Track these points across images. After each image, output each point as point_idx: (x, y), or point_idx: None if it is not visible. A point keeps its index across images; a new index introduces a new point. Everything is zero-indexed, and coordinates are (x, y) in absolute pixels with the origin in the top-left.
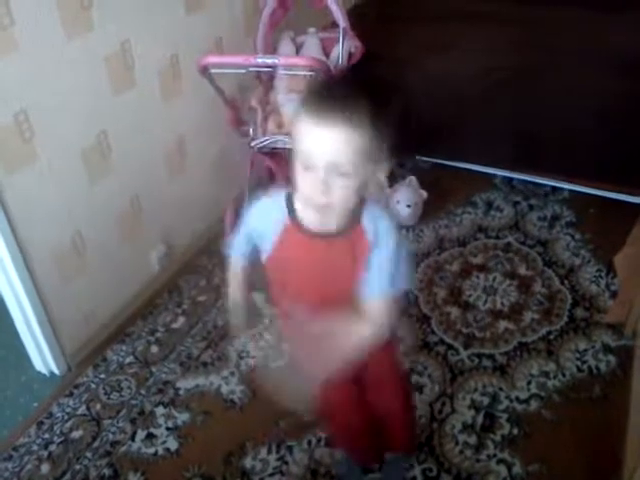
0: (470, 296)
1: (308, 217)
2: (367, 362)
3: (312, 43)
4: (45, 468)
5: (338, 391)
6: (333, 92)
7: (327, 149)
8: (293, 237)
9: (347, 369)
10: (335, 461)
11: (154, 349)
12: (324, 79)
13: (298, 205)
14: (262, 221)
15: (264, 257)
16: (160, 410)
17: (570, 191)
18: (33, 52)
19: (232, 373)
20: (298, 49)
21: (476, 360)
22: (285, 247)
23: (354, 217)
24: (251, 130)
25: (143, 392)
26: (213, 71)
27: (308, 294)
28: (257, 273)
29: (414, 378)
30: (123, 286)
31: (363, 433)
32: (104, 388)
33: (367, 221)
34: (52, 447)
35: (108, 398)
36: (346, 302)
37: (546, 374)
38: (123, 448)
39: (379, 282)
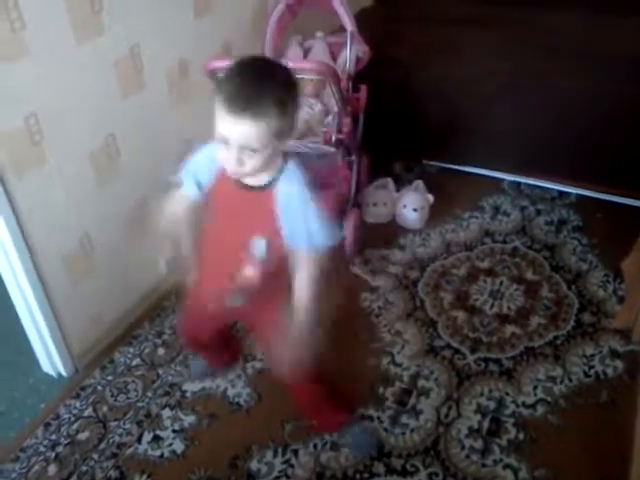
0: (477, 300)
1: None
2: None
3: (320, 47)
4: (52, 469)
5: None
6: (242, 79)
7: (237, 135)
8: (223, 185)
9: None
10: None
11: (161, 351)
12: (236, 62)
13: None
14: (205, 164)
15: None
16: (166, 412)
17: (577, 195)
18: (43, 56)
19: (238, 376)
20: (306, 53)
21: (482, 364)
22: (216, 191)
23: (274, 178)
24: None
25: (150, 394)
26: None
27: (228, 240)
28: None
29: (421, 382)
30: (131, 288)
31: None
32: (111, 390)
33: (282, 183)
34: (59, 448)
35: (115, 400)
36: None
37: (553, 379)
38: (129, 450)
39: (299, 237)
